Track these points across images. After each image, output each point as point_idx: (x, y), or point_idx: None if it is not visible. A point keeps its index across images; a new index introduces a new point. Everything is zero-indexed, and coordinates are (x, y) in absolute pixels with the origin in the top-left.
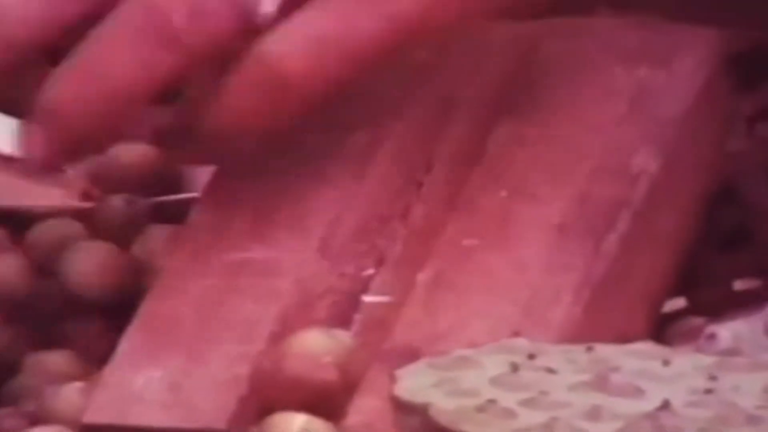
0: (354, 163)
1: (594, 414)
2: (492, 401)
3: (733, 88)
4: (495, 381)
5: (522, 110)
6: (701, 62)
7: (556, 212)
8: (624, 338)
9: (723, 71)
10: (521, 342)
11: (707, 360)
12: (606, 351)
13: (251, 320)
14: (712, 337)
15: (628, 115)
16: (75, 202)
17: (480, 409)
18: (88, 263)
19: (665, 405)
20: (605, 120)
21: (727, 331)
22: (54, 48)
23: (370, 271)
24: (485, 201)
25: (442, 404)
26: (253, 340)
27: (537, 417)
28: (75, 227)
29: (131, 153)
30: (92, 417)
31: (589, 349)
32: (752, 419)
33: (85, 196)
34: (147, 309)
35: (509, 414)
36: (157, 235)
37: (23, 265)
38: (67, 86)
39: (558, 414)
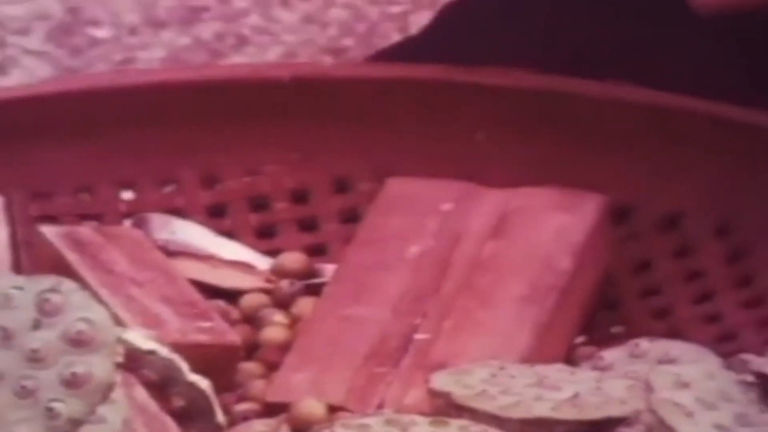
0: (411, 264)
1: (539, 398)
2: (484, 391)
3: (611, 223)
4: (483, 381)
5: (500, 237)
6: (595, 210)
7: (520, 290)
8: (554, 360)
9: (607, 216)
10: (496, 361)
11: (593, 373)
12: (541, 367)
13: (354, 346)
14: (600, 358)
15: (555, 239)
16: (263, 284)
17: (478, 395)
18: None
19: (576, 395)
20: (545, 241)
21: (608, 354)
22: None
23: (418, 321)
24: (481, 284)
25: (458, 392)
26: (355, 357)
27: (509, 399)
28: (263, 298)
29: (292, 258)
30: (271, 397)
31: (532, 366)
32: (623, 401)
33: (268, 280)
34: (299, 340)
35: (494, 398)
36: (306, 302)
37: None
38: None
39: (520, 399)
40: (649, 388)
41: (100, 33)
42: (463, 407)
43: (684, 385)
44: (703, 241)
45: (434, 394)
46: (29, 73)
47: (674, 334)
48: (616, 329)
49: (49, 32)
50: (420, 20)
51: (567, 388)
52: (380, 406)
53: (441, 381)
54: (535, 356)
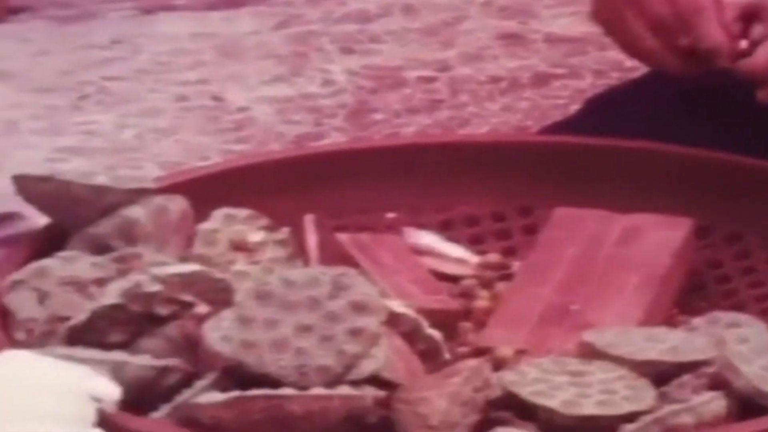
0: (569, 261)
1: (650, 348)
2: (615, 342)
3: (696, 237)
4: (614, 336)
5: (625, 245)
6: (686, 228)
7: (637, 279)
8: (659, 324)
9: (693, 232)
10: (622, 325)
11: (685, 333)
12: (650, 328)
13: (532, 313)
14: (689, 323)
15: (660, 246)
16: (475, 272)
17: (611, 344)
18: None
19: (674, 346)
20: (653, 247)
21: (695, 321)
22: None
23: (573, 298)
24: (612, 275)
25: (598, 342)
26: (532, 319)
27: (631, 348)
28: (474, 282)
29: (493, 257)
30: (480, 344)
31: (645, 327)
32: (705, 350)
33: (478, 270)
34: (497, 308)
35: (620, 347)
36: (502, 285)
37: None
38: None
39: (637, 348)
40: (721, 342)
41: (378, 116)
42: (601, 353)
43: (744, 340)
44: (755, 250)
45: (583, 344)
46: (335, 141)
47: (737, 308)
48: (699, 305)
49: (346, 115)
50: (575, 109)
51: (668, 341)
52: (548, 352)
53: (588, 336)
54: (646, 322)
